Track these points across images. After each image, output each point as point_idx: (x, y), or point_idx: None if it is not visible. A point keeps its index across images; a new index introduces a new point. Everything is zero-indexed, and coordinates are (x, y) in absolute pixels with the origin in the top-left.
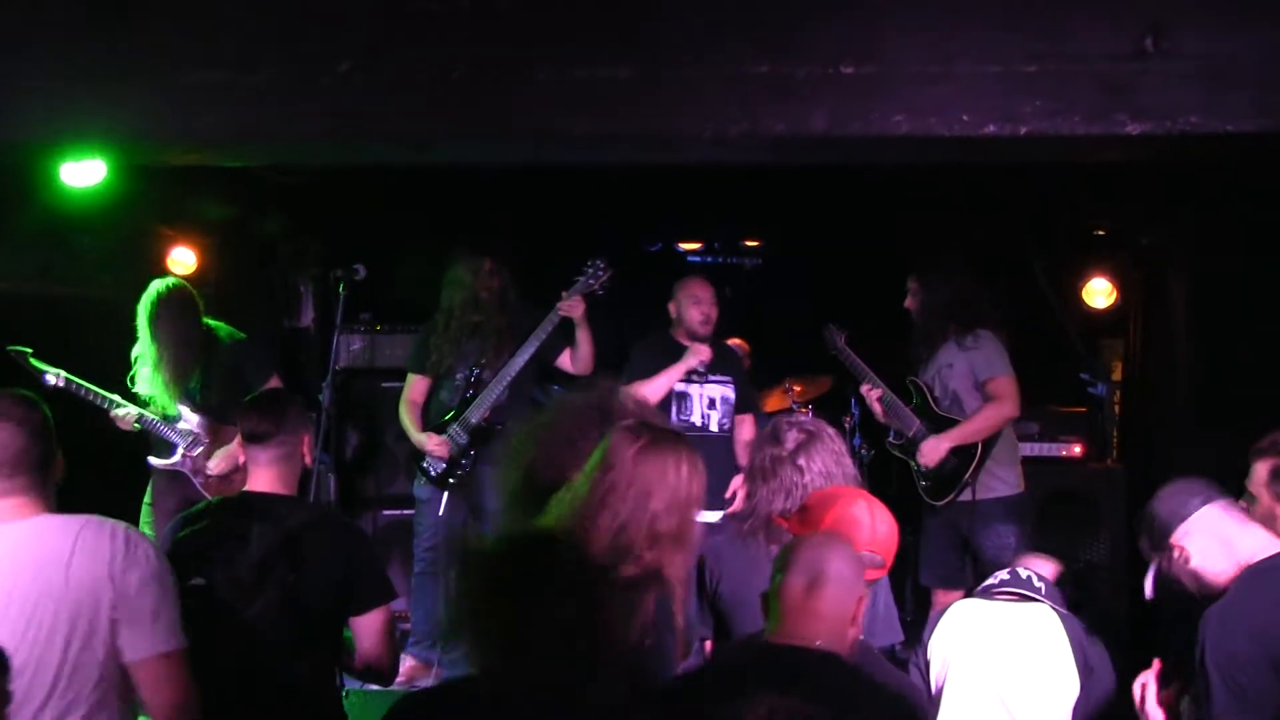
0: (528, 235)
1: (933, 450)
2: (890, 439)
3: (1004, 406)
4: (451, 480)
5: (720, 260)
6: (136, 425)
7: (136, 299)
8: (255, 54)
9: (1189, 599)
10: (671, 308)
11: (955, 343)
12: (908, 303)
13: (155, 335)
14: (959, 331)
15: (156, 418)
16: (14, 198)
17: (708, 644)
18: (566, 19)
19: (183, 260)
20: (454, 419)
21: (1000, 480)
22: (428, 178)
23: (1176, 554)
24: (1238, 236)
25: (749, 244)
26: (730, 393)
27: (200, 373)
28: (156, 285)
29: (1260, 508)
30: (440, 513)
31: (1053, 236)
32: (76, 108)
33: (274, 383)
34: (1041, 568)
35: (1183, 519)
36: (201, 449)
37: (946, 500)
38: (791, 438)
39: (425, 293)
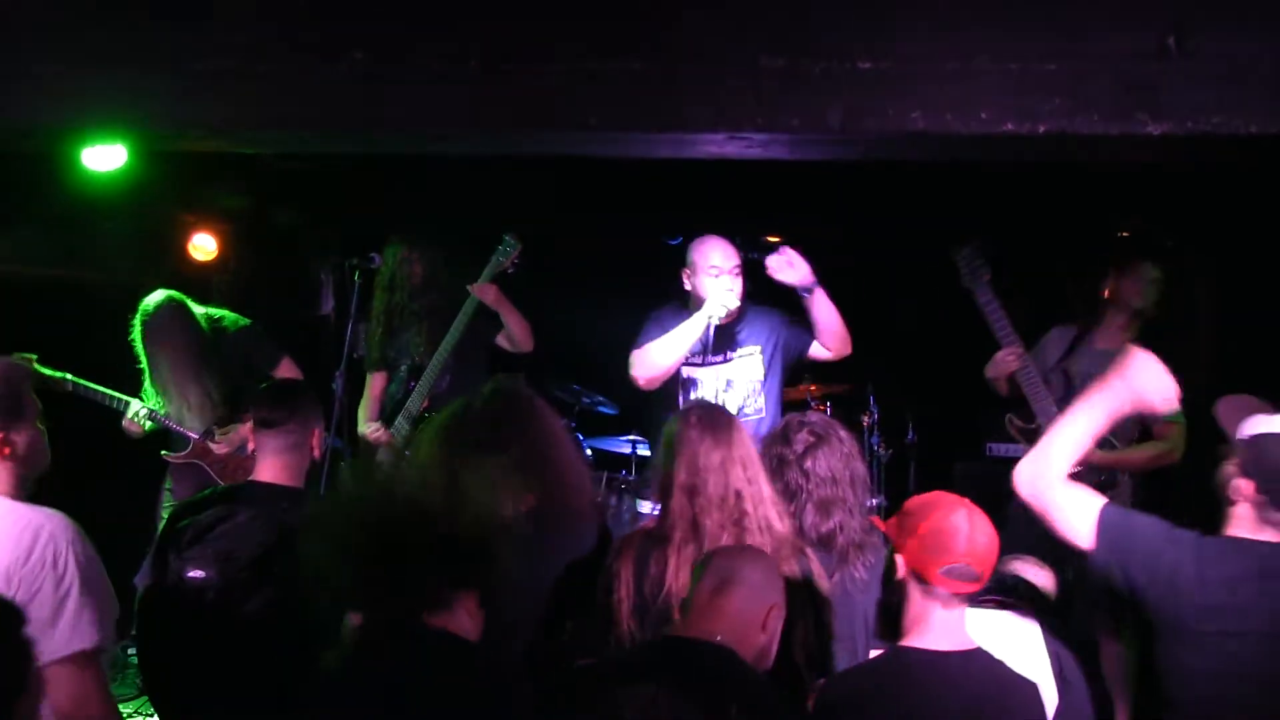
0: (547, 225)
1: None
2: (1014, 419)
3: (1173, 453)
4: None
5: (741, 255)
6: (149, 426)
7: (158, 284)
8: (268, 41)
9: None
10: (684, 276)
11: None
12: (1127, 284)
13: (149, 355)
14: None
15: (167, 413)
16: (38, 182)
17: None
18: (581, 12)
19: (204, 246)
20: (398, 410)
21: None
22: (447, 166)
23: None
24: (1261, 239)
25: (770, 239)
26: (757, 367)
27: (207, 371)
28: (144, 305)
29: None
30: None
31: (1075, 238)
32: (90, 92)
33: (286, 367)
34: (1033, 575)
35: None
36: (212, 436)
37: None
38: (800, 440)
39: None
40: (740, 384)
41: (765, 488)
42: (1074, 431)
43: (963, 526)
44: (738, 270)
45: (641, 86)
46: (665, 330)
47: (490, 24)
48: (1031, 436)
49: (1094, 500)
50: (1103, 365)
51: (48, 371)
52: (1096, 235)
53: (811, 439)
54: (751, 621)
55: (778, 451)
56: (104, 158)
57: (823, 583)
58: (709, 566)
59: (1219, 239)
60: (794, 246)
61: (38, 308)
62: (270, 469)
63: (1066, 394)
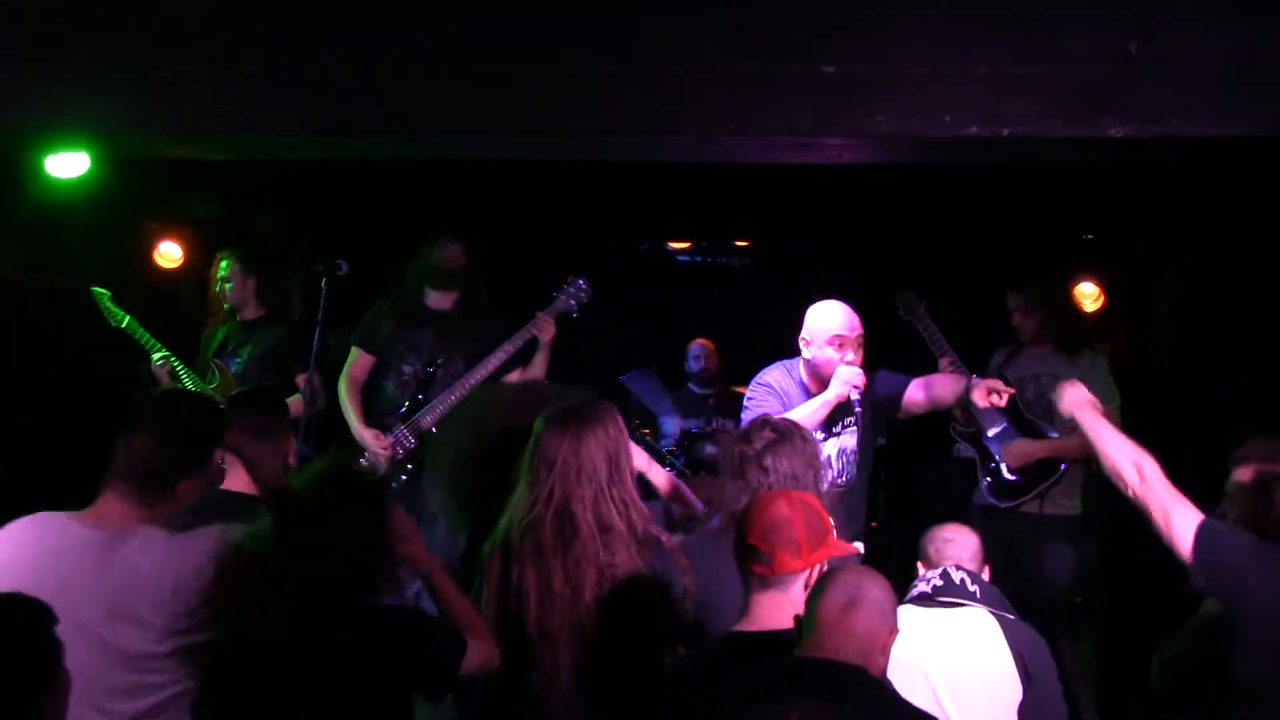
0: (514, 231)
1: (1021, 453)
2: (956, 426)
3: None
4: (394, 485)
5: (709, 260)
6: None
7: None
8: (237, 47)
9: None
10: (801, 341)
11: (1065, 356)
12: (1016, 314)
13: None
14: (1070, 346)
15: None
16: (1, 188)
17: None
18: (553, 16)
19: (170, 254)
20: (403, 420)
21: (1068, 497)
22: (414, 172)
23: None
24: (1223, 241)
25: (738, 244)
26: (852, 441)
27: (249, 346)
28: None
29: (1236, 512)
30: None
31: (1040, 241)
32: (60, 99)
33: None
34: (963, 544)
35: None
36: None
37: (1013, 505)
38: (761, 438)
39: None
40: (836, 459)
41: (618, 487)
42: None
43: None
44: (861, 339)
45: (613, 91)
46: (788, 396)
47: (460, 29)
48: (972, 439)
49: (1194, 515)
50: (1038, 368)
51: (116, 310)
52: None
53: (773, 436)
54: (877, 643)
55: (739, 450)
56: (68, 165)
57: (684, 578)
58: (831, 586)
59: (1180, 240)
60: (763, 246)
61: (5, 314)
62: (241, 479)
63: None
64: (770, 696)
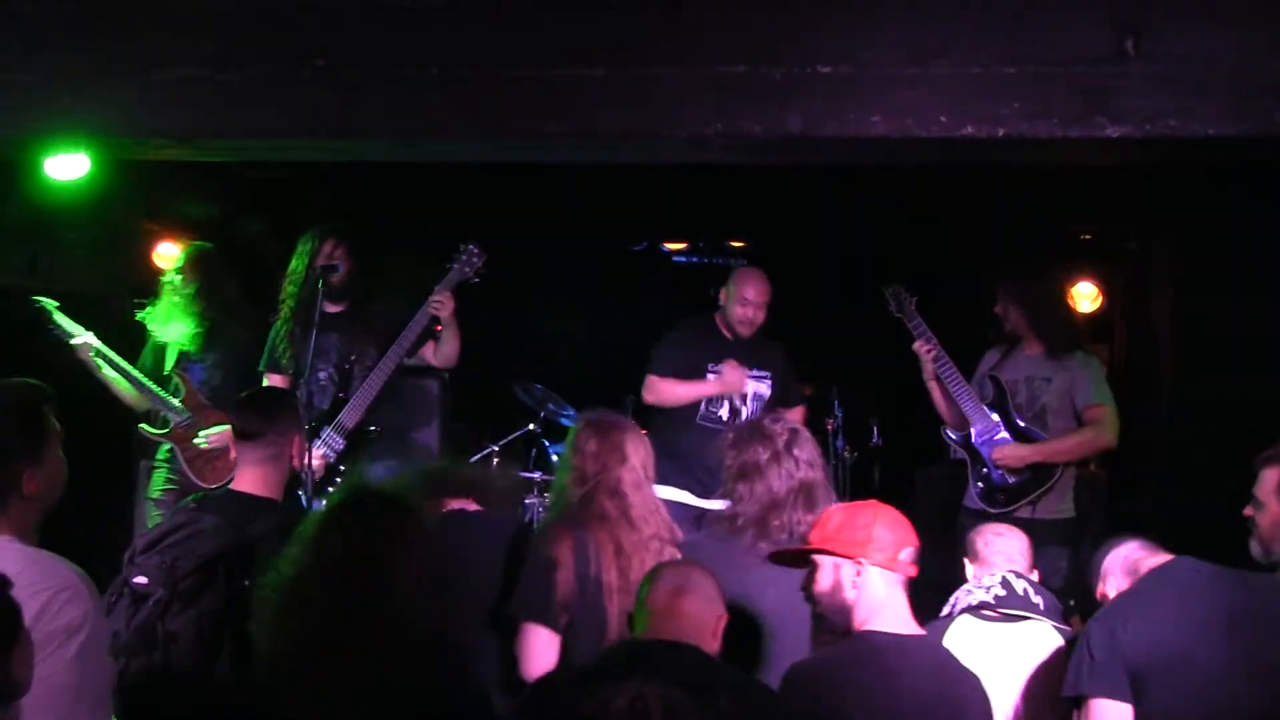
0: (510, 232)
1: (1013, 456)
2: (948, 433)
3: (1102, 436)
4: (330, 489)
5: (705, 260)
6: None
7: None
8: (232, 50)
9: None
10: (722, 294)
11: (1055, 359)
12: (1002, 309)
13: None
14: (1060, 348)
15: (158, 391)
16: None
17: None
18: (543, 18)
19: (169, 256)
20: (326, 421)
21: (1061, 501)
22: (410, 174)
23: (1105, 599)
24: (1220, 242)
25: (734, 244)
26: (765, 389)
27: (211, 346)
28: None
29: (1269, 514)
30: None
31: (1037, 241)
32: (53, 102)
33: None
34: (1012, 539)
35: (1100, 564)
36: (190, 422)
37: (1005, 511)
38: (777, 431)
39: (404, 288)
40: (751, 400)
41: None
42: None
43: (903, 520)
44: (764, 304)
45: (603, 93)
46: (688, 350)
47: (451, 32)
48: (963, 442)
49: None
50: (1029, 370)
51: (68, 324)
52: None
53: (788, 428)
54: (706, 627)
55: (758, 448)
56: (67, 166)
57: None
58: (660, 576)
59: (1177, 241)
60: (759, 249)
61: (2, 318)
62: (247, 479)
63: (998, 399)
64: (601, 678)
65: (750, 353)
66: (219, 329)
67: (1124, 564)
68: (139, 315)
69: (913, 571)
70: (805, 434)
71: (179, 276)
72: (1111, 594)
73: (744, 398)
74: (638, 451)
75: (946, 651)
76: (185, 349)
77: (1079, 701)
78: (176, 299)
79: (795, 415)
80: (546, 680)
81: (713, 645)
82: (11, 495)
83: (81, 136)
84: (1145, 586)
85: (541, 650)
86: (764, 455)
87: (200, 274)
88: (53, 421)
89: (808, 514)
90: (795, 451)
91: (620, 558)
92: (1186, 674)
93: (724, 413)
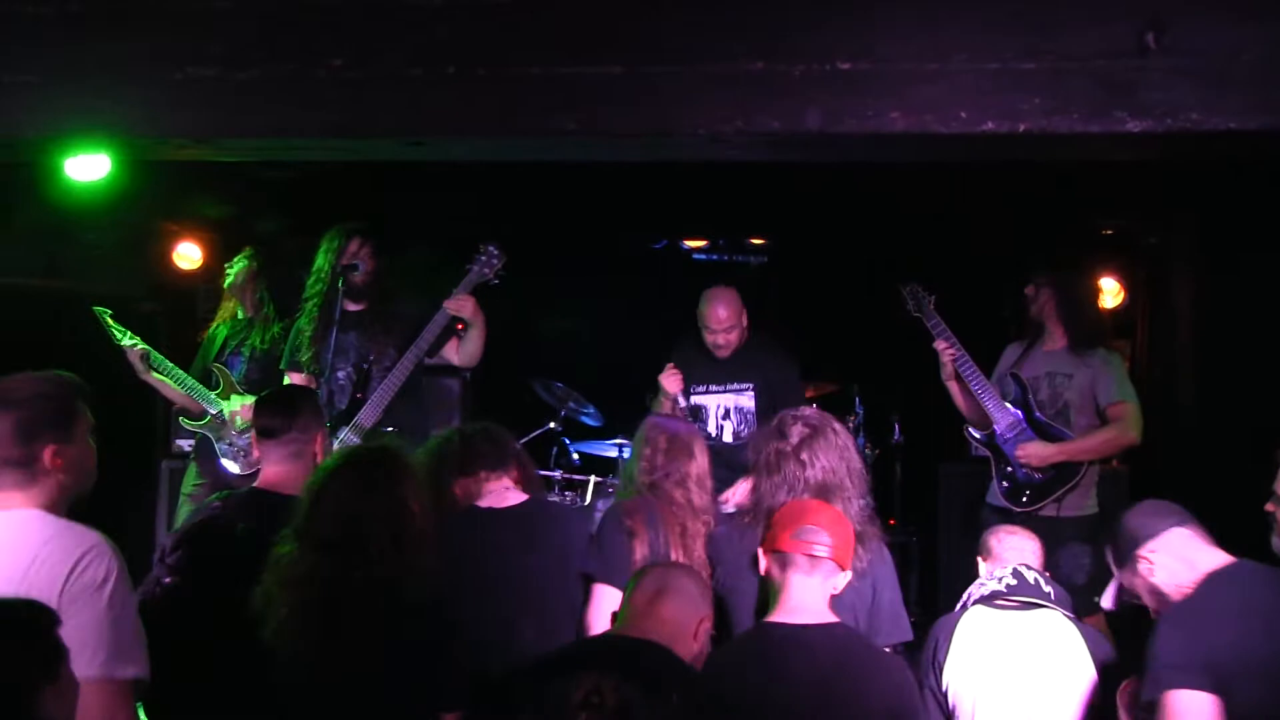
0: (531, 231)
1: (1037, 455)
2: (971, 431)
3: (1126, 433)
4: None
5: (725, 258)
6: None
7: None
8: (247, 50)
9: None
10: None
11: (1076, 354)
12: (1034, 306)
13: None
14: (1084, 344)
15: (200, 391)
16: (19, 192)
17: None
18: (558, 15)
19: (189, 256)
20: (344, 421)
21: (1084, 498)
22: (430, 173)
23: (1142, 565)
24: (1242, 236)
25: (754, 242)
26: (748, 402)
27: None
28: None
29: None
30: None
31: (1059, 236)
32: (69, 102)
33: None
34: (1026, 538)
35: (1151, 535)
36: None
37: (1029, 509)
38: (796, 432)
39: (425, 288)
40: (733, 413)
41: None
42: None
43: (809, 505)
44: (730, 328)
45: (621, 91)
46: (683, 365)
47: (466, 28)
48: (986, 441)
49: None
50: (1051, 366)
51: (122, 331)
52: (1079, 236)
53: (807, 431)
54: (685, 629)
55: (774, 446)
56: (87, 167)
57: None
58: (645, 576)
59: (1199, 236)
60: (778, 246)
61: (23, 319)
62: (271, 477)
63: (1020, 396)
64: (559, 671)
65: (728, 368)
66: (255, 323)
67: (1178, 553)
68: (210, 330)
69: (807, 549)
70: (827, 436)
71: (236, 277)
72: (1159, 573)
73: (726, 412)
74: (704, 453)
75: (857, 635)
76: (223, 342)
77: (1152, 707)
78: (231, 302)
79: None
80: (511, 670)
81: (692, 646)
82: (39, 470)
83: (101, 136)
84: (1212, 591)
85: (612, 610)
86: (775, 454)
87: (251, 276)
88: (84, 408)
89: None
90: (805, 455)
91: (684, 538)
92: (1264, 675)
93: (710, 428)
